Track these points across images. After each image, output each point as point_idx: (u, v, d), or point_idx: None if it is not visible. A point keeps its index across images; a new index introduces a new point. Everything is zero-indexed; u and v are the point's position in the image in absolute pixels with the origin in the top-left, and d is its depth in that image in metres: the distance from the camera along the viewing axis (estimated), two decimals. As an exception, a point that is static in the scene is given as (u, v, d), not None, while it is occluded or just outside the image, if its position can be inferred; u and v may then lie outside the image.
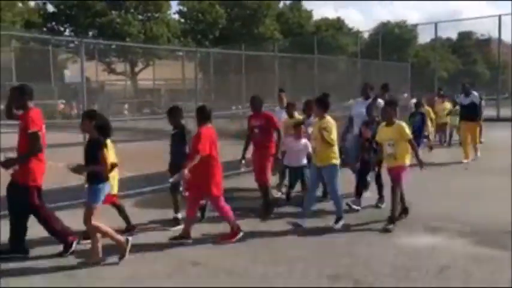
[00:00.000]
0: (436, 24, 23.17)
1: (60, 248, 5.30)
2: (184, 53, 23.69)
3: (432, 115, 13.60)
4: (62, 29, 33.40)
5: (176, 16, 38.24)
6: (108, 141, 5.57)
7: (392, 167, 6.17)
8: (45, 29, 32.22)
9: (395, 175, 6.14)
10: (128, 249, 5.05)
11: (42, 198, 5.36)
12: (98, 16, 31.66)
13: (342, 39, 41.52)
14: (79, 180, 6.57)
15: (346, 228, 6.17)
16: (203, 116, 5.80)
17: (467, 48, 59.44)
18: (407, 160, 6.17)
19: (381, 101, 7.59)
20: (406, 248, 5.37)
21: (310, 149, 7.05)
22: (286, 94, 9.18)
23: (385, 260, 4.99)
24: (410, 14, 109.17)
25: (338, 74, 20.39)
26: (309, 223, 6.28)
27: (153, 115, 24.45)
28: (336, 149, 6.20)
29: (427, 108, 13.95)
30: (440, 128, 14.59)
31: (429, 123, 12.97)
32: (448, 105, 14.46)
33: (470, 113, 11.10)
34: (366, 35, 43.79)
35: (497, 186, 8.15)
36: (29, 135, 5.09)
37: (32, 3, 31.98)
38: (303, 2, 51.17)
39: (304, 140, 7.35)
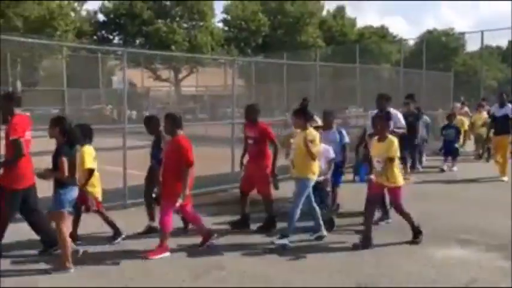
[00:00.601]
0: (482, 32, 22.56)
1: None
2: (227, 61, 24.16)
3: (466, 126, 13.06)
4: (111, 37, 34.76)
5: (220, 24, 38.96)
6: (88, 147, 5.87)
7: (388, 188, 5.98)
8: (95, 37, 33.60)
9: (394, 198, 6.01)
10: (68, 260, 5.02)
11: (15, 200, 5.38)
12: (145, 25, 32.73)
13: (385, 47, 41.11)
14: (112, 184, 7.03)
15: (374, 239, 6.19)
16: (176, 123, 5.71)
17: (518, 56, 57.30)
18: (400, 178, 5.96)
19: (396, 112, 7.52)
20: (434, 260, 5.43)
21: (332, 155, 6.77)
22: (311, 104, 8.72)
23: (412, 271, 5.06)
24: (459, 22, 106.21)
25: (380, 83, 20.22)
26: (334, 234, 6.36)
27: (195, 121, 24.93)
28: (316, 163, 6.01)
29: (460, 118, 13.42)
30: (478, 139, 13.96)
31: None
32: (485, 115, 13.74)
33: (502, 126, 10.44)
34: (411, 43, 43.30)
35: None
36: (11, 142, 5.25)
37: (83, 13, 33.42)
38: (347, 9, 50.96)
39: (322, 145, 6.74)
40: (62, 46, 22.53)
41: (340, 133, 7.18)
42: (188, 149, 5.63)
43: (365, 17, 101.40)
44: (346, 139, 7.21)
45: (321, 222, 6.18)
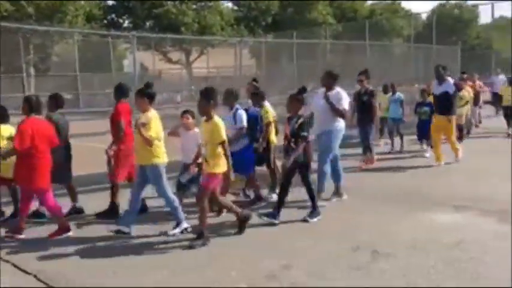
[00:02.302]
0: (492, 4, 22.30)
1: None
2: (237, 41, 24.32)
3: None
4: (121, 20, 35.01)
5: (230, 4, 38.94)
6: (4, 127, 6.08)
7: (205, 173, 5.33)
8: (105, 22, 33.87)
9: (203, 182, 5.36)
10: None
11: None
12: (154, 7, 32.87)
13: (397, 22, 40.66)
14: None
15: (372, 204, 6.54)
16: (29, 108, 5.61)
17: (535, 27, 56.16)
18: (220, 167, 5.23)
19: (339, 91, 6.75)
20: (428, 224, 5.67)
21: (198, 141, 5.92)
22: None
23: (407, 234, 5.31)
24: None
25: (391, 60, 20.23)
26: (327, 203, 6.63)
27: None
28: (158, 147, 5.46)
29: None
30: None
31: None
32: (464, 93, 11.60)
33: (442, 106, 8.99)
34: (424, 17, 42.77)
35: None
36: None
37: (93, -3, 33.65)
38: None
39: (193, 131, 6.19)
40: (73, 32, 23.00)
41: (234, 116, 6.40)
42: (19, 132, 5.44)
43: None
44: (243, 123, 6.39)
45: (181, 214, 5.60)
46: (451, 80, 9.03)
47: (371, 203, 6.69)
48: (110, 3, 34.89)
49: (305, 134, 5.77)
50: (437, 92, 9.06)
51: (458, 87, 9.10)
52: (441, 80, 8.96)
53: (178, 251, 5.09)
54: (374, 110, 8.99)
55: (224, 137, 5.22)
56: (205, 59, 34.64)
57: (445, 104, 8.92)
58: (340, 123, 6.75)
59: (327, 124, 6.65)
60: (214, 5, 35.35)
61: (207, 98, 5.25)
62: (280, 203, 5.91)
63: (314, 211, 5.97)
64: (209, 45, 31.77)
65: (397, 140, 10.95)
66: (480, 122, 15.08)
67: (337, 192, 6.91)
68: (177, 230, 5.52)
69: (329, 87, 6.77)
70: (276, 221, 5.79)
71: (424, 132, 10.13)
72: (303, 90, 6.02)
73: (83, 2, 30.09)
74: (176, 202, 5.62)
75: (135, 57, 9.41)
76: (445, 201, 6.58)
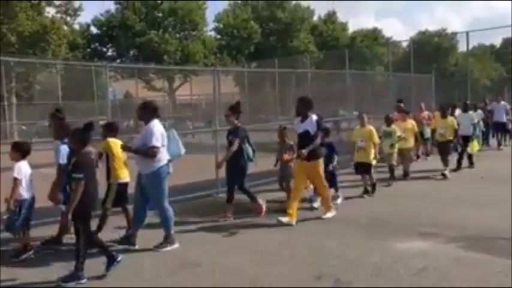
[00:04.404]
0: (467, 33, 23.01)
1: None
2: (211, 70, 24.71)
3: (376, 139, 9.16)
4: (104, 49, 35.30)
5: (212, 33, 39.52)
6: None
7: None
8: (89, 50, 34.12)
9: None
10: None
11: None
12: (137, 36, 33.25)
13: (378, 50, 41.53)
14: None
15: (340, 232, 6.64)
16: None
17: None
18: None
19: (151, 127, 5.95)
20: (394, 252, 5.76)
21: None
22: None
23: (370, 261, 5.39)
24: (455, 21, 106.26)
25: (371, 87, 20.62)
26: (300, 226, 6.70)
27: (192, 129, 25.35)
28: None
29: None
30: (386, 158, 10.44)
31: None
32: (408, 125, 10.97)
33: (303, 146, 7.17)
34: (404, 45, 43.82)
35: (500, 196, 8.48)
36: None
37: (76, 26, 33.89)
38: (340, 13, 51.54)
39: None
40: (57, 58, 23.17)
41: (56, 151, 5.98)
42: None
43: (360, 20, 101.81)
44: (62, 159, 5.79)
45: None
46: (314, 117, 7.27)
47: (337, 230, 6.78)
48: (94, 32, 35.22)
49: (78, 176, 4.89)
50: (299, 130, 7.34)
51: (320, 126, 7.28)
52: (303, 116, 7.30)
53: None
54: (242, 151, 7.52)
55: None
56: (188, 86, 35.01)
57: (306, 145, 7.13)
58: (159, 162, 5.96)
59: (144, 165, 5.99)
60: (197, 34, 35.89)
61: None
62: (78, 263, 4.99)
63: (72, 274, 4.99)
64: (191, 73, 32.11)
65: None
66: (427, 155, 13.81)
67: (165, 241, 6.14)
68: None
69: (146, 121, 6.02)
70: (83, 280, 4.96)
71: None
72: (88, 126, 5.18)
73: (65, 30, 30.27)
74: None
75: (108, 87, 9.66)
76: (410, 227, 6.70)
